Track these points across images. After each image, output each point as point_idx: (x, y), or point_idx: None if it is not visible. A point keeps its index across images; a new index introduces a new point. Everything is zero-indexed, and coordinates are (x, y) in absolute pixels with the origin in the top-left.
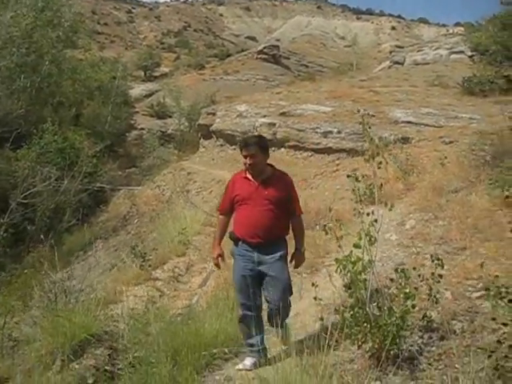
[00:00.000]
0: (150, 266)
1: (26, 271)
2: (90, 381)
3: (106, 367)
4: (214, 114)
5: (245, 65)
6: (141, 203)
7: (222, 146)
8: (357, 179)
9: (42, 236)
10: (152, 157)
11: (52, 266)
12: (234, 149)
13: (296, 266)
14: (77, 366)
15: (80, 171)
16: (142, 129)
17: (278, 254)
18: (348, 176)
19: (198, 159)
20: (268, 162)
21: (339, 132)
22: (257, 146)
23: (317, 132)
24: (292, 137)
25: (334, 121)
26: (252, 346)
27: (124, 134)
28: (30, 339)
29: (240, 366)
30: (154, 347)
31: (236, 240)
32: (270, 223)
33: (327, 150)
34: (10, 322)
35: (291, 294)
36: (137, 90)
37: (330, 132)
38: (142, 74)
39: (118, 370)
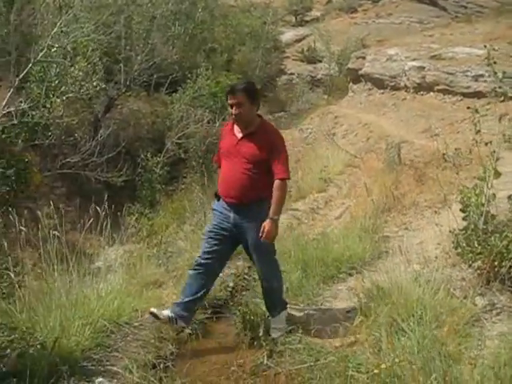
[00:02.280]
0: (290, 196)
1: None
2: (231, 284)
3: (245, 276)
4: (363, 58)
5: (399, 7)
6: (288, 146)
7: (370, 90)
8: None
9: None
10: (301, 101)
11: (203, 192)
12: (383, 93)
13: (264, 237)
14: (220, 274)
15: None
16: (292, 74)
17: (256, 219)
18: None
19: (346, 103)
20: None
21: (490, 76)
22: (244, 93)
23: (467, 75)
24: (441, 80)
25: (487, 64)
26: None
27: (274, 78)
28: (181, 251)
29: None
30: (287, 259)
31: (216, 196)
32: (245, 184)
33: (477, 94)
34: (168, 238)
35: (276, 267)
36: (287, 35)
37: (481, 76)
38: (293, 18)
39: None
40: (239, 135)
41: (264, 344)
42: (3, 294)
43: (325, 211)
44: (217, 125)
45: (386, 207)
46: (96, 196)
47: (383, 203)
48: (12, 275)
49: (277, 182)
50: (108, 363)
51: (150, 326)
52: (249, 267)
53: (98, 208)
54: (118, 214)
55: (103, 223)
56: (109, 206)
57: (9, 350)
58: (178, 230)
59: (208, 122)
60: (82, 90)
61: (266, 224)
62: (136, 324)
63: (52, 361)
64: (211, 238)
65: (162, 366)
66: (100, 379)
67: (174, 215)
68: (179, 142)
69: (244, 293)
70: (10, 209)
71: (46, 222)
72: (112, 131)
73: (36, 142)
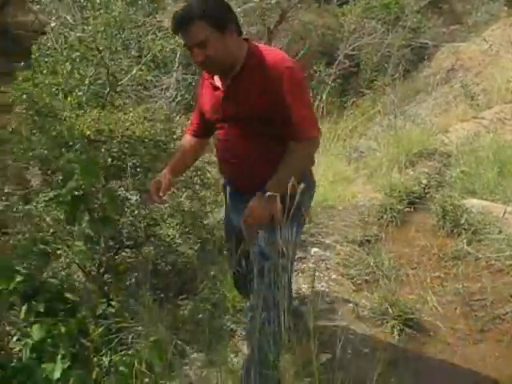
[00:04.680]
0: (477, 105)
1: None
2: (424, 181)
3: (437, 175)
4: None
5: None
6: (465, 58)
7: None
8: None
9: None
10: (480, 13)
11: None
12: None
13: (245, 221)
14: (411, 173)
15: (404, 26)
16: None
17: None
18: None
19: None
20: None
21: None
22: (202, 22)
23: None
24: None
25: None
26: None
27: None
28: (371, 150)
29: None
30: (482, 161)
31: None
32: (250, 160)
33: None
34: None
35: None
36: None
37: None
38: None
39: (448, 178)
40: (221, 86)
41: (463, 232)
42: None
43: None
44: (389, 37)
45: None
46: None
47: None
48: None
49: (302, 144)
50: (320, 237)
51: (352, 211)
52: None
53: None
54: None
55: None
56: None
57: None
58: (366, 132)
59: (380, 35)
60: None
61: (258, 205)
62: (340, 208)
63: None
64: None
65: (367, 243)
66: (315, 249)
67: (360, 119)
68: (351, 53)
69: (439, 188)
70: None
71: None
72: (283, 43)
73: None
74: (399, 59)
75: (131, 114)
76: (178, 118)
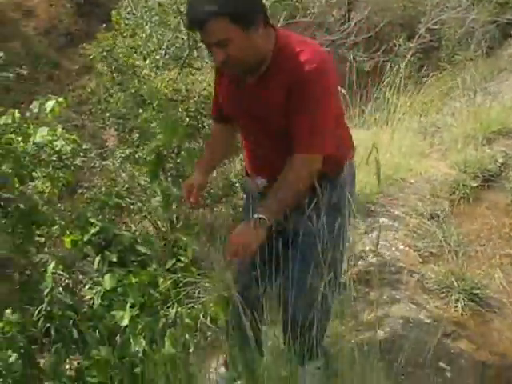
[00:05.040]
0: None
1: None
2: (500, 160)
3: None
4: None
5: None
6: None
7: None
8: None
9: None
10: None
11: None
12: None
13: (228, 249)
14: (488, 150)
15: (491, 1)
16: None
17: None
18: None
19: None
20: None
21: None
22: (223, 20)
23: None
24: None
25: None
26: None
27: None
28: (449, 126)
29: None
30: None
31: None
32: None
33: None
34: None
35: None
36: None
37: None
38: None
39: None
40: (247, 84)
41: None
42: None
43: None
44: (474, 12)
45: None
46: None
47: None
48: None
49: (294, 158)
50: (390, 208)
51: (424, 185)
52: None
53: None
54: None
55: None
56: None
57: None
58: (444, 108)
59: (465, 9)
60: None
61: (245, 231)
62: (412, 181)
63: None
64: None
65: (437, 217)
66: (383, 219)
67: (438, 94)
68: (433, 28)
69: None
70: None
71: None
72: (363, 15)
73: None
74: (483, 35)
75: (208, 75)
76: None
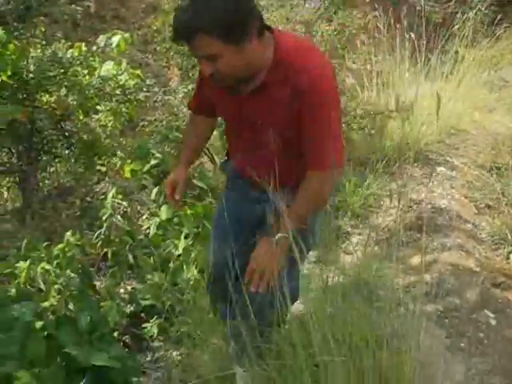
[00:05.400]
0: None
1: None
2: None
3: None
4: None
5: None
6: None
7: None
8: None
9: None
10: None
11: None
12: None
13: (248, 274)
14: None
15: None
16: None
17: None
18: None
19: None
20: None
21: None
22: (210, 37)
23: None
24: None
25: None
26: None
27: None
28: None
29: None
30: None
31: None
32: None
33: None
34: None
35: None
36: None
37: None
38: None
39: None
40: (242, 93)
41: None
42: None
43: None
44: None
45: None
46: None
47: None
48: None
49: (309, 174)
50: (449, 157)
51: (486, 137)
52: None
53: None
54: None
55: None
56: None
57: None
58: None
59: None
60: None
61: (260, 254)
62: (474, 133)
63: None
64: None
65: (496, 170)
66: (441, 168)
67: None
68: None
69: None
70: None
71: None
72: None
73: None
74: None
75: (274, 13)
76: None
